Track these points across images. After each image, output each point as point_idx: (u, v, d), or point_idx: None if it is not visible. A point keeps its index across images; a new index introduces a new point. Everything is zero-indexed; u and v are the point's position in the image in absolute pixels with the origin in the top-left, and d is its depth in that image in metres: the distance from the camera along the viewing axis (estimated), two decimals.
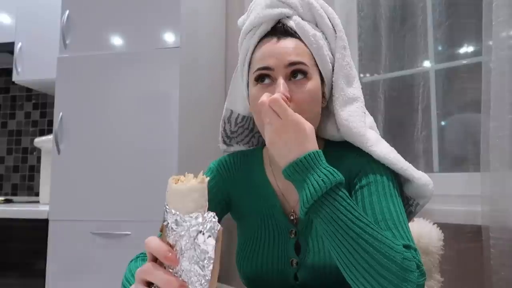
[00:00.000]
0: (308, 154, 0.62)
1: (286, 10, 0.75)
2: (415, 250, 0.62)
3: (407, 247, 0.62)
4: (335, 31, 0.77)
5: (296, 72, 0.72)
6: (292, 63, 0.71)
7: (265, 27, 0.76)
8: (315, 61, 0.75)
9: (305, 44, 0.74)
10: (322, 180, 0.60)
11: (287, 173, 0.64)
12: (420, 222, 1.07)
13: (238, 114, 0.88)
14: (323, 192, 0.60)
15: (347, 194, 0.62)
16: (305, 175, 0.62)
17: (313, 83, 0.72)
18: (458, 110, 1.47)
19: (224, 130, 0.91)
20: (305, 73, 0.72)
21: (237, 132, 0.91)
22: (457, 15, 1.46)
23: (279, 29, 0.75)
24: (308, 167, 0.62)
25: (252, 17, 0.77)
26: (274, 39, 0.74)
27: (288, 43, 0.73)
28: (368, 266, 0.57)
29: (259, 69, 0.73)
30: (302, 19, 0.76)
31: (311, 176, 0.61)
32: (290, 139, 0.63)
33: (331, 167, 0.62)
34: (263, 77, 0.73)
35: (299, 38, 0.74)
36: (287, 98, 0.69)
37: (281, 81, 0.70)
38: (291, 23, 0.74)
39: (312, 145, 0.63)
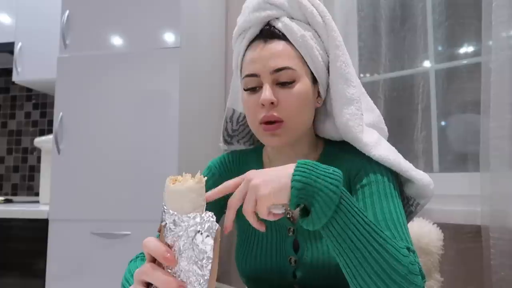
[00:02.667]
0: (297, 168, 0.57)
1: (273, 12, 0.74)
2: (414, 252, 0.62)
3: (408, 249, 0.61)
4: (327, 30, 0.75)
5: (283, 79, 0.72)
6: (278, 70, 0.71)
7: (254, 31, 0.76)
8: (306, 61, 0.74)
9: (295, 46, 0.73)
10: (331, 191, 0.55)
11: (296, 200, 0.56)
12: (420, 222, 1.06)
13: (240, 113, 0.89)
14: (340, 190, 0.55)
15: (349, 194, 0.58)
16: (311, 194, 0.55)
17: (301, 86, 0.72)
18: (458, 110, 1.47)
19: (226, 129, 0.91)
20: (291, 77, 0.72)
21: (238, 131, 0.92)
22: (457, 15, 1.45)
23: (267, 32, 0.74)
24: (312, 168, 0.56)
25: (241, 21, 0.77)
26: (262, 43, 0.74)
27: (274, 47, 0.73)
28: (381, 269, 0.55)
29: (246, 76, 0.74)
30: (293, 18, 0.75)
31: (318, 192, 0.54)
32: (272, 175, 0.57)
33: (328, 168, 0.58)
34: (251, 83, 0.74)
35: (287, 39, 0.73)
36: (272, 103, 0.71)
37: (266, 87, 0.71)
38: (279, 25, 0.74)
39: (291, 166, 0.58)
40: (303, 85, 0.73)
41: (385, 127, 0.85)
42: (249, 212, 0.56)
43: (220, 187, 0.60)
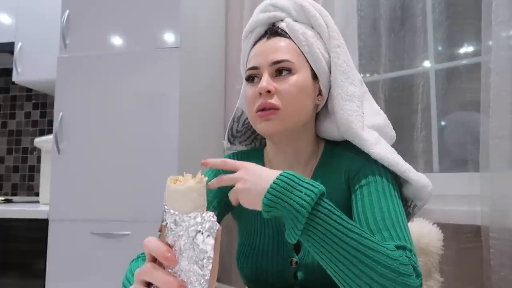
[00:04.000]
0: (281, 175, 0.60)
1: (278, 14, 0.80)
2: (410, 251, 0.62)
3: (402, 248, 0.61)
4: (329, 32, 0.78)
5: (281, 70, 0.75)
6: (276, 62, 0.74)
7: (259, 30, 0.81)
8: (306, 58, 0.77)
9: (296, 44, 0.77)
10: (305, 194, 0.57)
11: (268, 205, 0.58)
12: (420, 222, 1.06)
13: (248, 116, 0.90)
14: (311, 208, 0.56)
15: (333, 205, 0.59)
16: (285, 196, 0.58)
17: (298, 77, 0.75)
18: (458, 110, 1.47)
19: (231, 129, 0.93)
20: (289, 70, 0.75)
21: (241, 132, 0.94)
22: (457, 15, 1.46)
23: (271, 31, 0.79)
24: (287, 187, 0.58)
25: (249, 22, 0.82)
26: (265, 39, 0.79)
27: (276, 42, 0.77)
28: (368, 277, 0.56)
29: (248, 69, 0.78)
30: (297, 21, 0.79)
31: (292, 194, 0.57)
32: (259, 173, 0.62)
33: (309, 180, 0.60)
34: (252, 76, 0.78)
35: (290, 38, 0.77)
36: (269, 92, 0.73)
37: (265, 76, 0.74)
38: (282, 25, 0.79)
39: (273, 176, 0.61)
40: (301, 77, 0.75)
41: (393, 132, 0.85)
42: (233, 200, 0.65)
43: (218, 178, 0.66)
